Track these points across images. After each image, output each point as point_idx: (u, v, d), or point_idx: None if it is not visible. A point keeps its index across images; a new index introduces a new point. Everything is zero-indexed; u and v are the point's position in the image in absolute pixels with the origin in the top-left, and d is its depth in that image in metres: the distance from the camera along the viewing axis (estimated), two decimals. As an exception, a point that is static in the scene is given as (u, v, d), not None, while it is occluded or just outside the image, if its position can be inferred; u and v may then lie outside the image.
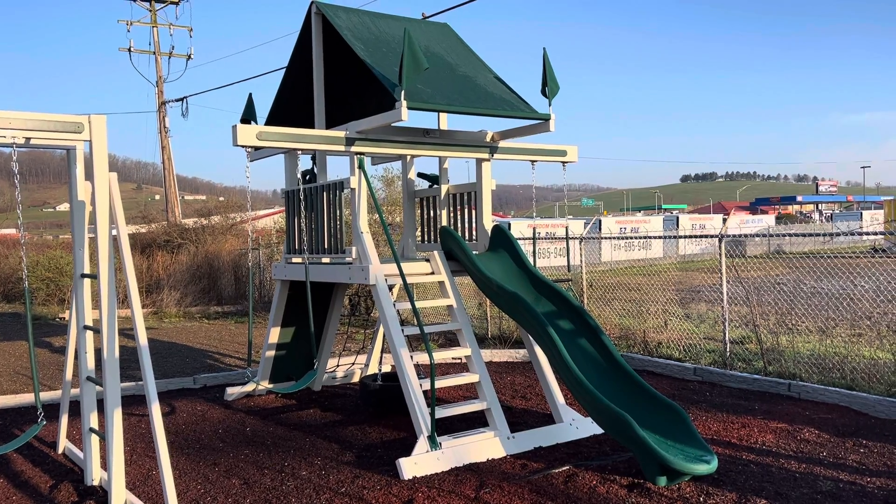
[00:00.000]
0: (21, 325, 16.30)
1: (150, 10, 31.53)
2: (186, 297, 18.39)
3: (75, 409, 7.91)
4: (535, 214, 9.50)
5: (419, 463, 5.88)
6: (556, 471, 5.84)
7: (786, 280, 15.30)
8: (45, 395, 8.86)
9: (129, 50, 30.94)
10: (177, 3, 31.83)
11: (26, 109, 5.18)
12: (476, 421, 7.22)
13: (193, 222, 25.52)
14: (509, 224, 26.89)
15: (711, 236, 9.75)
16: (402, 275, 6.52)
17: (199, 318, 17.07)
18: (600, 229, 30.26)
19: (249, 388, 8.73)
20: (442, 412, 6.38)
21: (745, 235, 25.66)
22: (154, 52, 31.63)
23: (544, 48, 7.13)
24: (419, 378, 6.51)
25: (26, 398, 8.69)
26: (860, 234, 9.19)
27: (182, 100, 31.37)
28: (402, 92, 6.25)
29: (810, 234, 9.81)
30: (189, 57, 32.24)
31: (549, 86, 7.11)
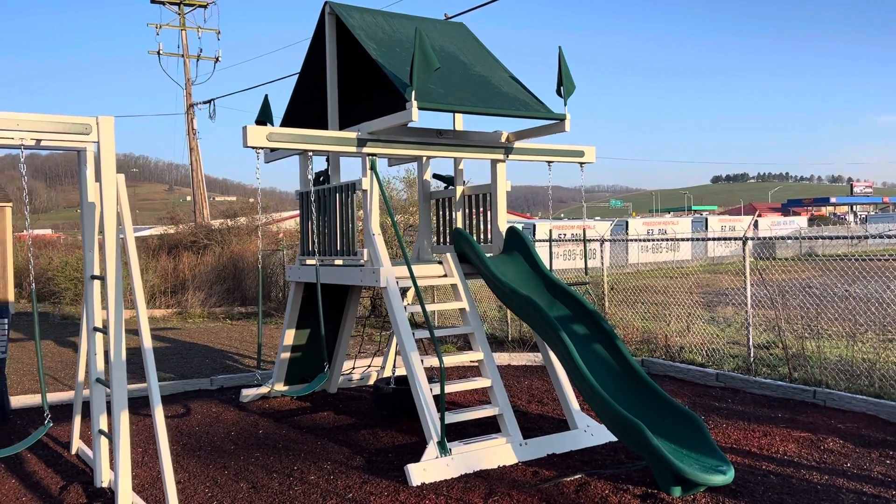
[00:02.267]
0: (49, 325, 16.54)
1: (179, 14, 31.89)
2: (211, 298, 18.52)
3: (89, 409, 7.95)
4: (552, 215, 9.37)
5: (428, 469, 5.79)
6: (568, 479, 5.71)
7: (815, 283, 14.93)
8: (64, 396, 8.93)
9: (159, 53, 31.33)
10: (205, 7, 32.16)
11: (59, 113, 5.21)
12: (490, 426, 7.10)
13: (220, 223, 25.66)
14: (534, 226, 26.68)
15: (735, 238, 9.51)
16: (412, 277, 6.43)
17: (222, 319, 17.17)
18: (627, 231, 29.91)
19: (264, 390, 8.71)
20: (452, 417, 6.28)
21: (771, 238, 25.17)
22: (182, 55, 31.99)
23: (560, 47, 6.99)
24: (431, 382, 6.41)
25: (48, 397, 8.75)
26: (892, 236, 8.91)
27: (210, 102, 31.72)
28: (413, 92, 6.17)
29: (837, 237, 9.54)
30: (217, 59, 32.53)
31: (564, 85, 6.98)
